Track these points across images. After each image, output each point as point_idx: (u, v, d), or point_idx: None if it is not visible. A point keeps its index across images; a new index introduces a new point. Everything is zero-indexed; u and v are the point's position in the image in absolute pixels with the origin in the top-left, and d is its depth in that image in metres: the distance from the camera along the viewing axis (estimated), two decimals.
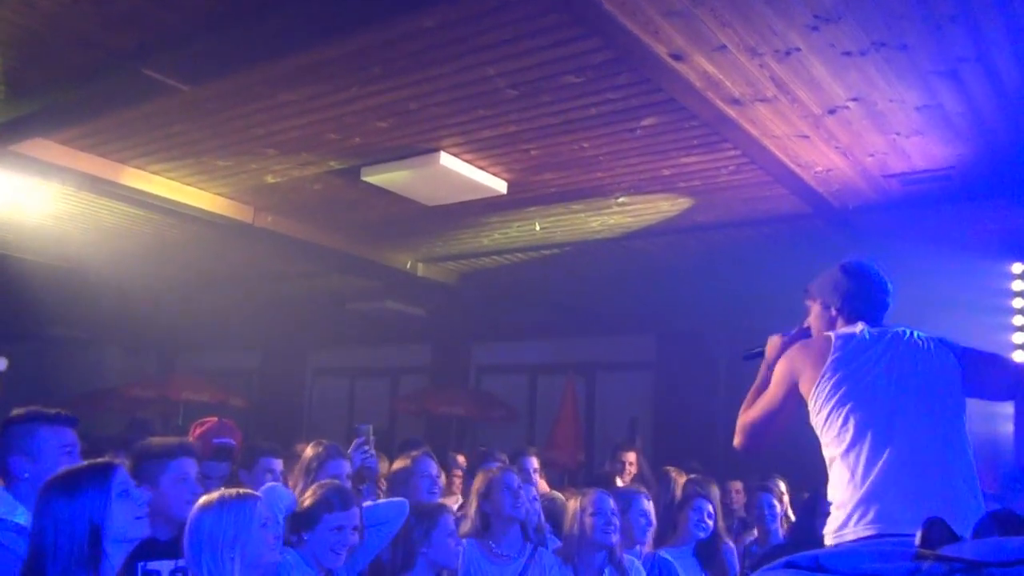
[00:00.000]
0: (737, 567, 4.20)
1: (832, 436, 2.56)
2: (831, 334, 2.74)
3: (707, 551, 4.26)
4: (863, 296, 2.89)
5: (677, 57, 3.87)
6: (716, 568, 4.34)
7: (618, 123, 4.68)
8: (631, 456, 5.92)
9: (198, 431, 3.82)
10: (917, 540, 0.94)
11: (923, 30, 3.59)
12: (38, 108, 4.61)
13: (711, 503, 4.35)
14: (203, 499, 2.55)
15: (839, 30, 3.61)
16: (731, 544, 4.71)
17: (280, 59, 4.03)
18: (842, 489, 2.47)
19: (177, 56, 3.93)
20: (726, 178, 5.41)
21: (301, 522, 2.95)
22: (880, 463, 2.43)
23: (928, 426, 2.51)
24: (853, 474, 2.45)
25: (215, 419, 3.92)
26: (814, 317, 2.97)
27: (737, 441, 2.63)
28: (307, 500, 3.01)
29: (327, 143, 5.11)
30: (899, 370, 2.60)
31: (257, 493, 2.61)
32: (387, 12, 3.63)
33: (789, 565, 0.94)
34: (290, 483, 3.69)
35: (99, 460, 2.43)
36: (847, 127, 4.58)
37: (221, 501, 2.49)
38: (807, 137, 4.71)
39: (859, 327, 2.75)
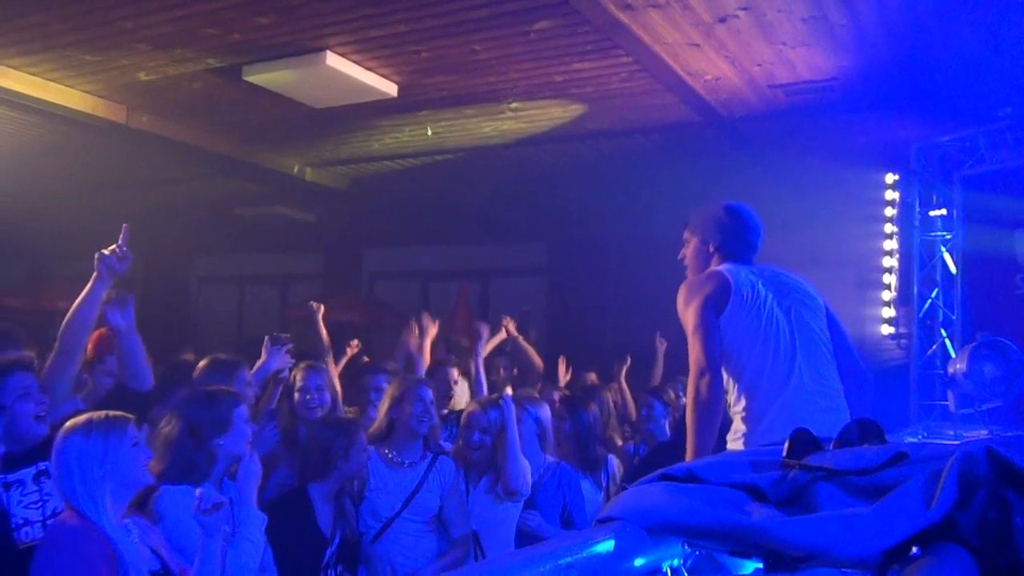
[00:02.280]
0: (614, 468, 4.30)
1: (739, 363, 2.80)
2: (724, 272, 2.86)
3: (592, 459, 4.34)
4: (740, 237, 3.01)
5: None
6: (597, 471, 4.46)
7: (510, 26, 4.57)
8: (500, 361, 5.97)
9: (98, 335, 3.69)
10: (784, 451, 0.99)
11: None
12: None
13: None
14: (71, 422, 2.42)
15: None
16: (619, 442, 4.86)
17: None
18: (747, 406, 2.76)
19: None
20: (618, 85, 5.40)
21: (212, 432, 2.88)
22: (784, 390, 2.74)
23: (820, 357, 2.85)
24: (757, 397, 2.74)
25: (98, 331, 3.77)
26: (691, 251, 3.08)
27: (704, 389, 2.69)
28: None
29: (204, 38, 4.81)
30: (791, 306, 2.87)
31: (128, 415, 2.51)
32: None
33: (664, 477, 0.97)
34: None
35: None
36: (736, 36, 4.61)
37: (88, 422, 2.38)
38: (697, 45, 4.72)
39: (741, 267, 2.92)
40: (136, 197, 9.19)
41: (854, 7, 4.25)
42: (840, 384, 2.88)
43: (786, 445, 0.99)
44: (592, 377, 6.12)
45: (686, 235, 3.12)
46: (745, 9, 4.27)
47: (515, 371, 5.87)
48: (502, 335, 5.58)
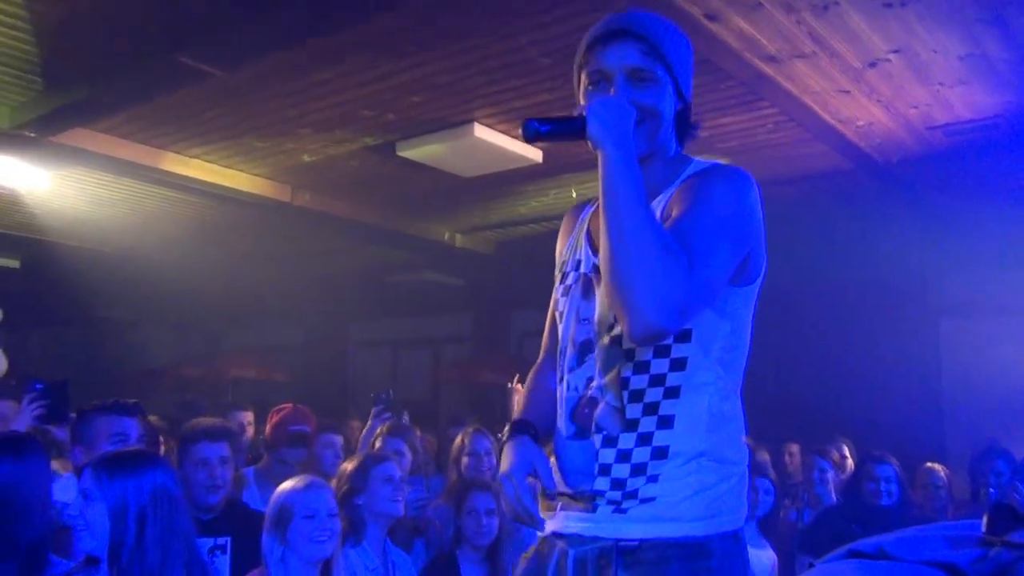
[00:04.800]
0: None
1: (739, 349, 1.67)
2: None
3: (770, 524, 4.11)
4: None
5: (712, 17, 3.80)
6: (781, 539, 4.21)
7: None
8: None
9: (275, 418, 3.91)
10: (984, 526, 0.93)
11: None
12: (76, 99, 4.66)
13: (767, 478, 4.17)
14: (286, 483, 2.62)
15: None
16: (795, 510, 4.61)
17: (310, 41, 4.03)
18: (731, 431, 1.66)
19: (209, 42, 3.94)
20: (764, 137, 5.32)
21: (353, 492, 3.00)
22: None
23: None
24: (738, 412, 1.71)
25: (291, 406, 3.98)
26: (655, 97, 1.65)
27: (656, 312, 1.40)
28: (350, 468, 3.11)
29: (361, 120, 5.11)
30: None
31: (317, 483, 2.63)
32: None
33: (852, 553, 0.94)
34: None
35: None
36: (888, 80, 4.47)
37: (280, 488, 2.55)
38: (847, 92, 4.61)
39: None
40: (297, 269, 9.74)
41: (1015, 40, 4.04)
42: None
43: (985, 519, 0.94)
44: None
45: (651, 66, 1.65)
46: (897, 52, 4.15)
47: None
48: None
